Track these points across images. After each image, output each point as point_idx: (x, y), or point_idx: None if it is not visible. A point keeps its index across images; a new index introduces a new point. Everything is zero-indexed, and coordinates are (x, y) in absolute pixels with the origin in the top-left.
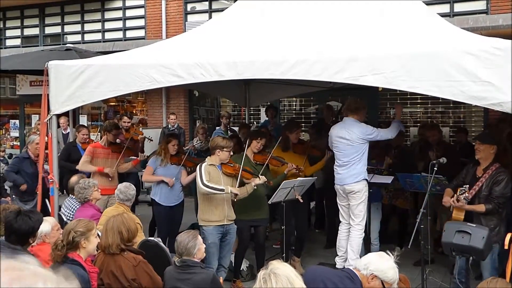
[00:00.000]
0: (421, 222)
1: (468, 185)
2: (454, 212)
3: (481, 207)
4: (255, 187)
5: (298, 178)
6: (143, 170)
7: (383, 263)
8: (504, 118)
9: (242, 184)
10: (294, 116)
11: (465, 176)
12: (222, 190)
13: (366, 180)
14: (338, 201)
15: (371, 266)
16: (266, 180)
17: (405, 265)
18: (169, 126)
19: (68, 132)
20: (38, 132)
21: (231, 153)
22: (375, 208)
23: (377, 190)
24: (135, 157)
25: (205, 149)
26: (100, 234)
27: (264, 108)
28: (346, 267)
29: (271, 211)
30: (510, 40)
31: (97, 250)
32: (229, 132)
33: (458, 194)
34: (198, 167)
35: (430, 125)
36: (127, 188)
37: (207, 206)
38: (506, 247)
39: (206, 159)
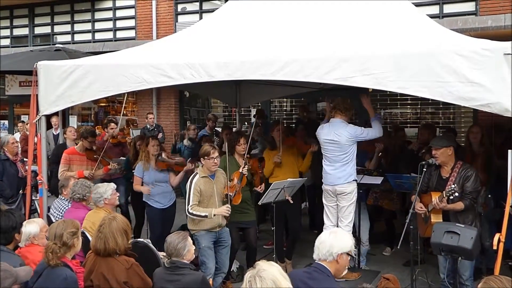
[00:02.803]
0: (410, 222)
1: (455, 185)
2: (432, 217)
3: (459, 205)
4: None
5: (288, 179)
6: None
7: (342, 240)
8: (498, 124)
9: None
10: (284, 117)
11: (428, 181)
12: (206, 216)
13: (356, 180)
14: (325, 201)
15: (334, 250)
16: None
17: (394, 265)
18: (148, 126)
19: (59, 132)
20: (27, 132)
21: (217, 160)
22: (363, 208)
23: (365, 190)
24: (123, 158)
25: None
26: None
27: (255, 110)
28: None
29: (262, 212)
30: (499, 42)
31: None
32: (214, 135)
33: (444, 196)
34: (189, 181)
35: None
36: (98, 187)
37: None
38: (494, 247)
39: (197, 169)
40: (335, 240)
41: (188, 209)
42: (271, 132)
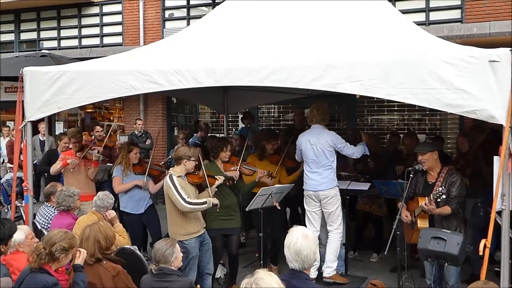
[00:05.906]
0: (397, 228)
1: (443, 187)
2: (419, 223)
3: (447, 209)
4: (216, 189)
5: (276, 185)
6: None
7: (315, 239)
8: (477, 126)
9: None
10: (272, 123)
11: (415, 187)
12: (205, 203)
13: (338, 186)
14: (306, 207)
15: (317, 254)
16: (225, 178)
17: (382, 271)
18: (136, 132)
19: (45, 139)
20: (13, 138)
21: (197, 162)
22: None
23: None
24: (111, 164)
25: None
26: None
27: (241, 116)
28: (323, 269)
29: (248, 218)
30: (484, 49)
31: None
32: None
33: (432, 198)
34: (170, 183)
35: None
36: (106, 196)
37: (185, 219)
38: (480, 253)
39: (171, 169)
40: (314, 243)
41: (185, 205)
42: (265, 143)
